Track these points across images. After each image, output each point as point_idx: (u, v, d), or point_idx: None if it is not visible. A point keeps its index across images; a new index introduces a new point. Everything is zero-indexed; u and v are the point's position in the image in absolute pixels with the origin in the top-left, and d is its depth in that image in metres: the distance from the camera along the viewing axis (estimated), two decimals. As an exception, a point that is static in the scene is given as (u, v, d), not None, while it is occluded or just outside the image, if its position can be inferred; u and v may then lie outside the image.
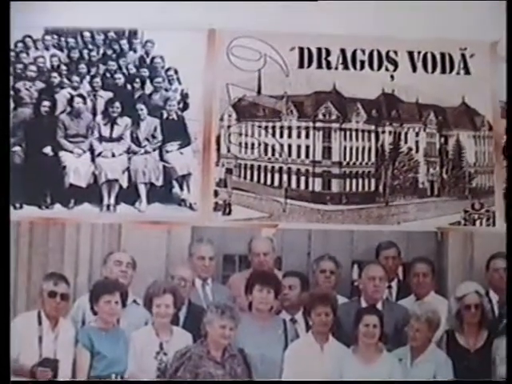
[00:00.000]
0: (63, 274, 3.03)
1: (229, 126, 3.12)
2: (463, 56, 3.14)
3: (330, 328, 2.97)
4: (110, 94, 3.16)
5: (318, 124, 3.15)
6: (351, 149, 3.16)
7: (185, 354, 2.91)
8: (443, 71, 3.15)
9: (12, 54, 3.11)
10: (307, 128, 3.15)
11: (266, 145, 3.14)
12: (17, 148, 3.06)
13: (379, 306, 3.06)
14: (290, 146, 3.14)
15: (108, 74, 3.18)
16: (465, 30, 3.16)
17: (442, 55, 3.15)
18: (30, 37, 3.13)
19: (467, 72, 3.15)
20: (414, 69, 3.14)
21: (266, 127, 3.15)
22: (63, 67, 3.17)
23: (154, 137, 3.16)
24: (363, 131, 3.17)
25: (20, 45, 3.11)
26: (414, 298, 3.12)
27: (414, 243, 3.15)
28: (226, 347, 2.91)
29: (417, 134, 3.18)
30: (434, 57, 3.15)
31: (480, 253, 3.13)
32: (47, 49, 3.15)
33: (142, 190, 3.10)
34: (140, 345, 2.97)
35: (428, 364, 2.95)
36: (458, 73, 3.15)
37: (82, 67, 3.17)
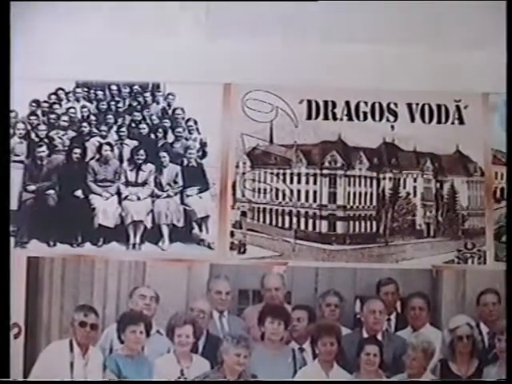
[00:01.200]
0: (93, 305, 3.15)
1: (243, 173, 3.24)
2: (458, 107, 3.24)
3: (335, 356, 3.08)
4: (135, 143, 3.28)
5: (325, 171, 3.25)
6: (355, 194, 3.25)
7: (203, 380, 3.03)
8: (439, 121, 3.25)
9: (46, 105, 3.23)
10: (315, 175, 3.25)
11: (278, 190, 3.24)
12: (51, 191, 3.17)
13: (379, 336, 3.16)
14: (299, 191, 3.25)
15: (133, 124, 3.29)
16: (459, 81, 3.21)
17: (438, 106, 3.24)
18: (62, 89, 3.25)
19: (461, 122, 3.24)
20: (413, 119, 3.25)
21: (278, 174, 3.25)
22: (92, 117, 3.28)
23: (175, 182, 3.26)
24: (366, 177, 3.26)
25: (53, 96, 3.23)
26: (410, 329, 3.20)
27: (411, 280, 3.22)
28: (240, 373, 3.02)
29: (414, 180, 3.26)
30: (430, 108, 3.25)
31: (471, 289, 3.20)
32: (78, 100, 3.27)
33: (165, 230, 3.21)
34: (163, 371, 3.08)
35: None
36: (452, 123, 3.25)
37: (110, 118, 3.28)
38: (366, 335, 3.17)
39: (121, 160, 3.28)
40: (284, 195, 3.24)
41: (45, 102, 3.25)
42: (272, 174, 3.26)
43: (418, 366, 3.02)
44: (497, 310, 3.15)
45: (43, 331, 3.17)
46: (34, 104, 3.24)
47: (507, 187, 3.19)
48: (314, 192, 3.25)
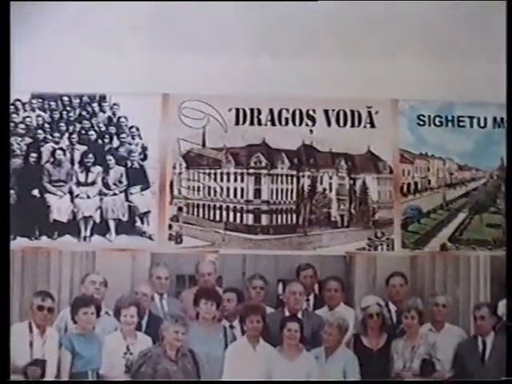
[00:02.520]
0: (49, 291, 3.25)
1: (180, 173, 3.33)
2: (369, 112, 3.36)
3: (261, 332, 3.22)
4: (84, 148, 3.36)
5: (251, 170, 3.36)
6: (277, 190, 3.36)
7: (146, 354, 3.16)
8: (352, 125, 3.37)
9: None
10: (242, 174, 3.36)
11: (209, 188, 3.35)
12: (11, 191, 3.25)
13: (299, 315, 3.29)
14: (228, 189, 3.35)
15: (83, 131, 3.36)
16: (371, 89, 3.32)
17: (352, 112, 3.36)
18: (19, 100, 3.33)
19: (372, 125, 3.36)
20: (329, 124, 3.36)
21: (209, 173, 3.35)
22: (46, 125, 3.35)
23: (120, 182, 3.35)
24: (287, 176, 3.37)
25: (11, 107, 3.31)
26: (327, 308, 3.34)
27: (327, 265, 3.34)
28: (178, 348, 3.16)
29: (330, 178, 3.37)
30: (345, 113, 3.36)
31: (381, 272, 3.34)
32: (33, 110, 3.34)
33: (112, 224, 3.32)
34: (111, 347, 3.21)
35: (339, 361, 3.21)
36: (364, 126, 3.36)
37: (62, 125, 3.35)
38: (287, 314, 3.30)
39: (72, 163, 3.35)
40: (215, 192, 3.35)
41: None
42: (204, 173, 3.35)
43: (333, 340, 3.21)
44: (403, 290, 3.32)
45: None
46: None
47: (506, 188, 3.31)
48: (242, 189, 3.35)
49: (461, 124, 3.39)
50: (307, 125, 3.36)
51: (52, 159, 3.34)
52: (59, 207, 3.32)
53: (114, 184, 3.37)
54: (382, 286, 3.35)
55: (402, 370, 3.27)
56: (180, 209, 3.34)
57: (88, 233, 3.32)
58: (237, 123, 3.35)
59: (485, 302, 3.33)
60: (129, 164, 3.36)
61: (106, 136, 3.37)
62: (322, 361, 3.23)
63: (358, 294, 3.37)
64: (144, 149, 3.36)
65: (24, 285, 3.29)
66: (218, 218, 3.35)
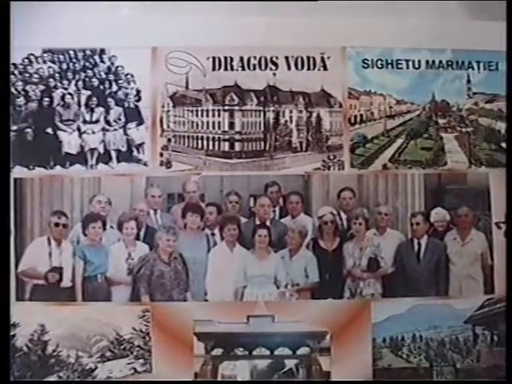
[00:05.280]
0: (63, 211, 3.50)
1: (168, 111, 3.53)
2: (322, 58, 3.55)
3: (237, 238, 3.54)
4: (88, 92, 3.53)
5: (226, 107, 3.55)
6: (247, 123, 3.56)
7: (144, 259, 3.48)
8: (308, 69, 3.55)
9: (21, 66, 3.48)
10: (218, 110, 3.55)
11: (193, 122, 3.55)
12: (28, 130, 3.46)
13: (268, 223, 3.61)
14: (207, 122, 3.54)
15: (87, 79, 3.52)
16: (324, 39, 3.55)
17: (308, 58, 3.55)
18: (32, 54, 3.48)
19: (325, 69, 3.55)
20: (289, 68, 3.55)
21: (192, 110, 3.54)
22: (56, 75, 3.50)
23: (119, 119, 3.54)
24: (255, 111, 3.57)
25: (26, 60, 3.48)
26: (290, 217, 3.65)
27: (289, 182, 3.59)
28: (170, 253, 3.47)
29: (290, 112, 3.57)
30: (302, 59, 3.54)
31: (333, 187, 3.63)
32: (45, 62, 3.49)
33: (113, 154, 3.51)
34: (115, 254, 3.50)
35: (301, 260, 3.54)
36: (318, 69, 3.55)
37: (69, 74, 3.51)
38: (258, 222, 3.60)
39: (79, 105, 3.50)
40: (197, 125, 3.54)
41: (20, 64, 3.47)
42: (188, 110, 3.53)
43: (296, 243, 3.54)
44: (352, 202, 3.66)
45: (28, 232, 3.50)
46: (12, 66, 3.45)
47: (507, 187, 3.41)
48: (218, 122, 3.54)
49: (399, 66, 3.60)
50: (271, 69, 3.54)
51: (62, 102, 3.50)
52: (69, 142, 3.49)
53: (114, 121, 3.53)
54: (335, 199, 3.64)
55: (352, 267, 3.61)
56: (169, 140, 3.51)
57: (94, 162, 3.49)
58: (213, 69, 3.51)
59: (419, 211, 3.67)
60: (126, 105, 3.52)
61: (106, 82, 3.52)
62: (287, 260, 3.54)
63: (315, 205, 3.64)
64: (138, 92, 3.51)
65: (42, 206, 3.52)
66: (199, 146, 3.53)
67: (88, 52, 3.53)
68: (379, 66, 3.60)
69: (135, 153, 3.52)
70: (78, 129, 3.51)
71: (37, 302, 3.40)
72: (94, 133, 3.52)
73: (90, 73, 3.53)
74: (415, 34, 3.59)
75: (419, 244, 3.65)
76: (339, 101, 3.56)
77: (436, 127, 3.65)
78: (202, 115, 3.55)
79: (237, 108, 3.55)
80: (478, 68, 3.63)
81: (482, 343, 3.51)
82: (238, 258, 3.53)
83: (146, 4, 3.51)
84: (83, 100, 3.53)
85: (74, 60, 3.52)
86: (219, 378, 3.40)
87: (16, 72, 3.50)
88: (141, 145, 3.52)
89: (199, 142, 3.55)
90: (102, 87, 3.55)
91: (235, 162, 3.53)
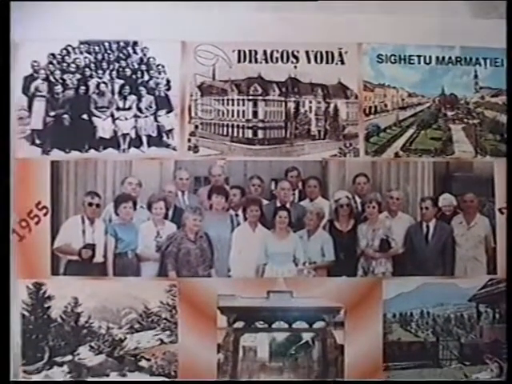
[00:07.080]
0: (97, 191, 3.64)
1: (196, 100, 3.66)
2: (340, 53, 3.67)
3: (259, 219, 3.68)
4: (122, 81, 3.67)
5: (250, 97, 3.66)
6: (270, 112, 3.67)
7: (172, 237, 3.64)
8: (327, 62, 3.68)
9: (59, 56, 3.61)
10: (243, 100, 3.67)
11: (219, 110, 3.67)
12: (65, 116, 3.60)
13: (288, 205, 3.74)
14: (233, 111, 3.66)
15: (120, 69, 3.66)
16: (342, 35, 3.67)
17: (327, 52, 3.67)
18: (70, 45, 3.63)
19: (342, 63, 3.68)
20: (309, 61, 3.67)
21: (218, 100, 3.66)
22: (92, 65, 3.65)
23: (150, 107, 3.67)
24: (277, 101, 3.68)
25: (64, 51, 3.62)
26: (308, 200, 3.79)
27: (308, 168, 3.71)
28: (196, 232, 3.63)
29: (310, 102, 3.69)
30: (321, 53, 3.66)
31: (349, 173, 3.75)
32: (81, 53, 3.64)
33: (144, 139, 3.66)
34: (145, 232, 3.66)
35: (318, 240, 3.70)
36: (336, 63, 3.68)
37: (104, 65, 3.65)
38: (278, 204, 3.75)
39: (113, 93, 3.65)
40: (223, 113, 3.66)
41: (58, 54, 3.62)
42: (215, 99, 3.66)
43: (313, 224, 3.71)
44: (366, 187, 3.78)
45: (63, 210, 3.66)
46: (51, 56, 3.61)
47: (507, 187, 3.54)
48: (243, 111, 3.66)
49: (411, 61, 3.72)
50: (292, 62, 3.67)
51: (97, 90, 3.66)
52: (103, 127, 3.65)
53: (146, 108, 3.68)
54: (350, 184, 3.77)
55: (365, 247, 3.75)
56: (196, 126, 3.65)
57: (126, 146, 3.64)
58: (239, 61, 3.66)
59: (428, 196, 3.82)
60: (156, 93, 3.67)
61: (139, 72, 3.67)
62: (305, 240, 3.71)
63: (331, 189, 3.76)
64: (168, 81, 3.67)
65: (77, 187, 3.67)
66: (225, 133, 3.66)
67: (122, 44, 3.66)
68: (393, 61, 3.73)
69: (165, 138, 3.65)
70: (112, 115, 3.65)
71: (71, 276, 3.56)
72: (126, 119, 3.66)
73: (123, 63, 3.66)
74: (426, 31, 3.74)
75: (428, 227, 3.78)
76: (355, 93, 3.69)
77: (445, 119, 3.78)
78: (227, 104, 3.66)
79: (260, 98, 3.65)
80: (485, 64, 3.77)
81: (484, 320, 3.71)
82: (260, 238, 3.67)
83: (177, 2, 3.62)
84: (117, 88, 3.67)
85: (109, 51, 3.66)
86: (240, 349, 3.62)
87: (54, 62, 3.66)
88: (170, 131, 3.65)
89: (225, 129, 3.66)
90: (134, 77, 3.68)
91: (258, 148, 3.64)
